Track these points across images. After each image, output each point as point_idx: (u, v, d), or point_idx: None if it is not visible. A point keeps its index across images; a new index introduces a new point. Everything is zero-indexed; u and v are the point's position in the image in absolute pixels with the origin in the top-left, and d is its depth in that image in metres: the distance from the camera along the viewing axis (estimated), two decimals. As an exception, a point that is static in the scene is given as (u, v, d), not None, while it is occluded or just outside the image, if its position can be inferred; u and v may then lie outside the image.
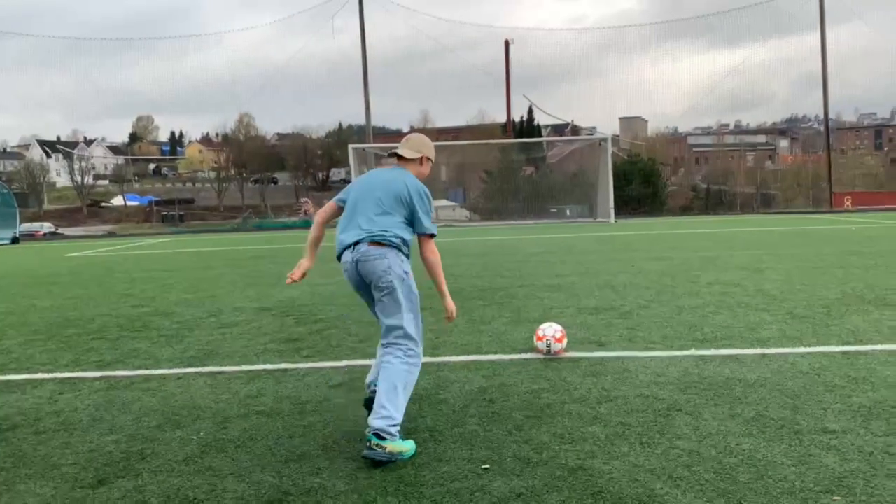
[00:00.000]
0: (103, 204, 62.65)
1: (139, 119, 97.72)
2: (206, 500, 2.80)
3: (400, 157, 3.63)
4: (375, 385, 3.38)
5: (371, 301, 3.52)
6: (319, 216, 3.72)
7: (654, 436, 3.28)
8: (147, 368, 5.08)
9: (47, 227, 45.08)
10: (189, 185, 71.68)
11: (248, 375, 4.76)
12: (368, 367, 4.77)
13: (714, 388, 3.99)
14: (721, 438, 3.21)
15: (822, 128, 43.78)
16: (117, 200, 63.28)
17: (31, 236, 36.51)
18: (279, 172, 69.49)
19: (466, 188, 49.02)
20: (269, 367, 4.97)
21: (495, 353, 5.10)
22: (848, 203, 35.89)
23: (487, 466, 3.00)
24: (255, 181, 64.10)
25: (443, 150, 47.20)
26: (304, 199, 44.36)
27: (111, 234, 32.89)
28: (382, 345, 3.48)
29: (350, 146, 31.78)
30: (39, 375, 5.01)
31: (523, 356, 4.96)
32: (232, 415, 3.90)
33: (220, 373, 4.86)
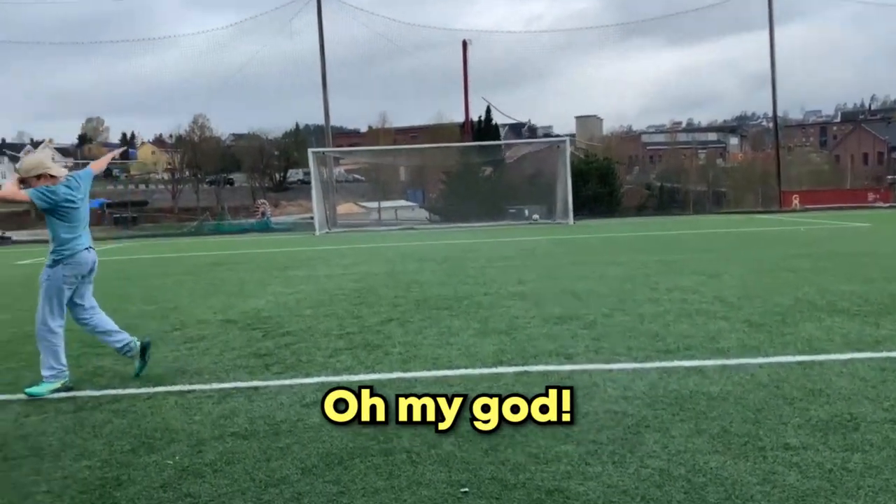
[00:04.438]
0: (52, 206, 60.61)
1: (89, 120, 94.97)
2: (188, 532, 2.80)
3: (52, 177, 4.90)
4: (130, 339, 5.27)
5: (75, 288, 5.08)
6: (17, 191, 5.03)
7: (626, 454, 3.39)
8: (114, 388, 5.02)
9: (-5, 231, 43.39)
10: (142, 186, 69.94)
11: (220, 394, 4.74)
12: (340, 383, 4.83)
13: (680, 403, 4.13)
14: (689, 456, 3.33)
15: (771, 125, 44.94)
16: (66, 202, 61.35)
17: (-24, 241, 35.15)
18: (235, 174, 68.36)
19: (426, 189, 49.06)
20: (240, 384, 4.95)
21: (465, 367, 5.17)
22: (796, 202, 36.98)
23: (467, 490, 3.07)
24: (211, 182, 63.01)
25: (401, 152, 47.21)
26: (262, 201, 43.91)
27: (61, 238, 32.02)
28: (86, 308, 5.20)
29: (310, 150, 31.73)
30: (3, 397, 4.91)
31: (494, 370, 5.05)
32: (206, 437, 3.89)
33: (189, 391, 4.83)
